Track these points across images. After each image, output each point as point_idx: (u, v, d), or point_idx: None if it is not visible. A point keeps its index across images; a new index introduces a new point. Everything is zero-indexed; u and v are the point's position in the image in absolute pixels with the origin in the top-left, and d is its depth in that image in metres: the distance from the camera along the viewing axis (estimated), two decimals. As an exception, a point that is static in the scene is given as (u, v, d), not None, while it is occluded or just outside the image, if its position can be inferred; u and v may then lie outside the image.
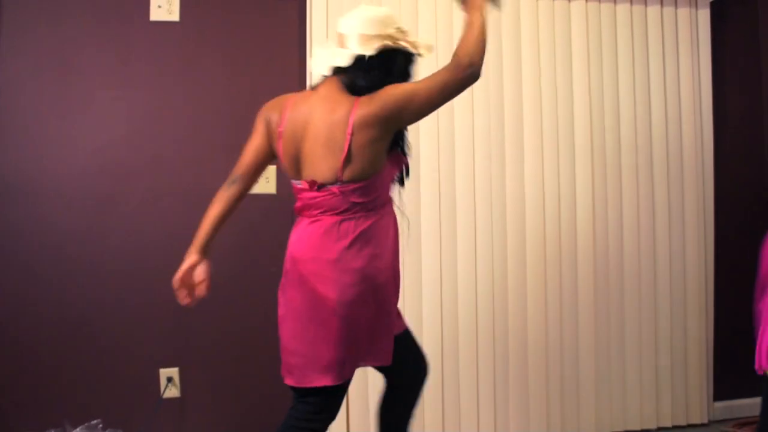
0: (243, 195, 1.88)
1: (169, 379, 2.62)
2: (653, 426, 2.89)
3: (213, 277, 2.63)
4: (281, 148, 1.80)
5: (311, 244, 1.75)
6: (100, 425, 2.48)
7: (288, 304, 1.79)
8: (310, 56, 2.66)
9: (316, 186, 1.74)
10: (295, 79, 2.73)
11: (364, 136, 1.69)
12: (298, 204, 1.82)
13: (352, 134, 1.68)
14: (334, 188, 1.72)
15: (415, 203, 2.67)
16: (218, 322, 2.66)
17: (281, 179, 2.71)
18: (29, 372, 2.55)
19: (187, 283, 1.86)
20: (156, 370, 2.62)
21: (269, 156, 1.86)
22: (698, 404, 2.94)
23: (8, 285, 2.55)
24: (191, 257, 1.85)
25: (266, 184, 2.70)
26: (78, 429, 2.46)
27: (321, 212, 1.75)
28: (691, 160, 2.95)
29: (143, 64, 2.66)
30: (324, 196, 1.74)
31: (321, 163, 1.72)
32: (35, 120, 2.60)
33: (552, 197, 2.81)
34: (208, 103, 2.70)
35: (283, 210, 2.71)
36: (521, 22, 2.80)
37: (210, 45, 2.70)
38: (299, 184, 1.79)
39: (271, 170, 2.70)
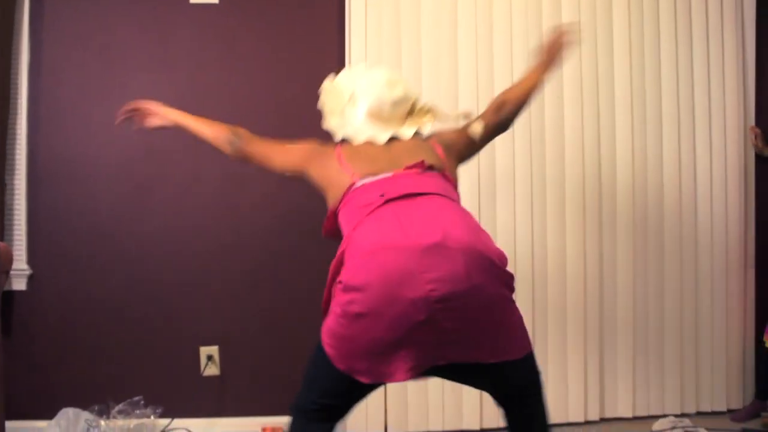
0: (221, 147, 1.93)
1: (209, 357, 2.66)
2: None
3: (254, 257, 2.68)
4: None
5: None
6: (142, 402, 2.54)
7: None
8: (349, 39, 2.65)
9: None
10: (334, 60, 2.73)
11: None
12: None
13: None
14: None
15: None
16: (258, 300, 2.69)
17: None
18: (74, 350, 2.61)
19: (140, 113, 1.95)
20: (196, 348, 2.66)
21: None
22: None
23: (52, 266, 2.61)
24: (161, 110, 1.94)
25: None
26: (120, 405, 2.52)
27: None
28: (735, 144, 2.91)
29: (183, 47, 2.68)
30: None
31: None
32: (76, 104, 2.64)
33: (593, 178, 2.79)
34: (248, 85, 2.71)
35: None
36: (562, 4, 2.76)
37: (249, 27, 2.71)
38: None
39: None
